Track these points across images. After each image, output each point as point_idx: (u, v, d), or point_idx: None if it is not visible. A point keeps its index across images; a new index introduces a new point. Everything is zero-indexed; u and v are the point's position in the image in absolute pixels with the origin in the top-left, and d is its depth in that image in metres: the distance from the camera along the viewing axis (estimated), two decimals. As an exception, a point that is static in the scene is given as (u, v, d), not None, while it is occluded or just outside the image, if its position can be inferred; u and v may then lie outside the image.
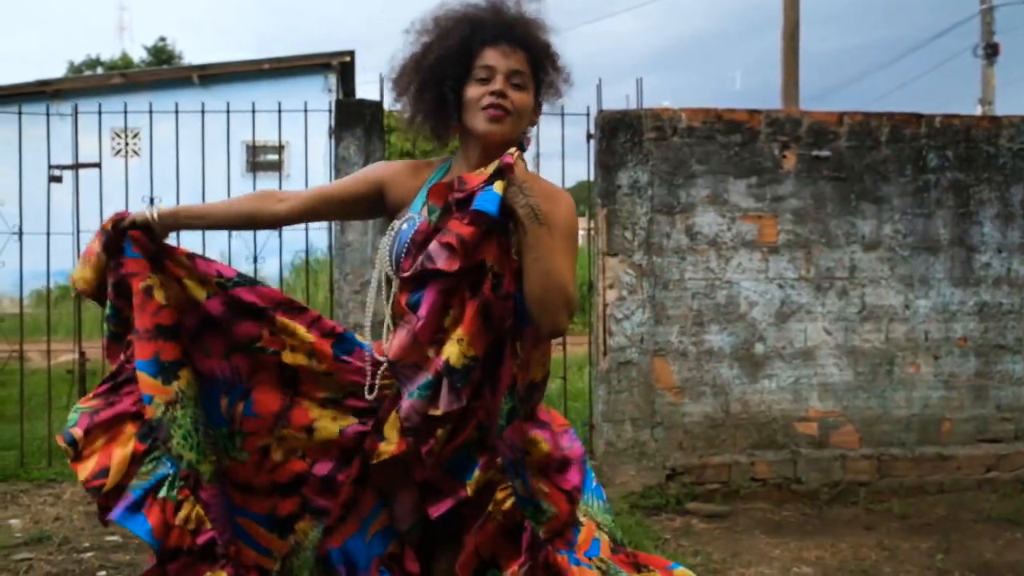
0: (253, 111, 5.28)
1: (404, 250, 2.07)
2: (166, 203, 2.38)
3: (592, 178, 5.57)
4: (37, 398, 6.41)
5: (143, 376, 2.12)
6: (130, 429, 2.13)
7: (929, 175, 5.52)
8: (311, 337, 2.17)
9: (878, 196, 5.46)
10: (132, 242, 2.17)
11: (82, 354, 5.60)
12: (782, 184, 5.39)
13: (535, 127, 2.27)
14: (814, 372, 5.41)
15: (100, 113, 5.37)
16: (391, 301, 2.14)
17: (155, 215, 2.18)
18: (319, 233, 6.31)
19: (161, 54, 35.24)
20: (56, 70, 51.83)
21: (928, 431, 5.49)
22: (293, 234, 5.31)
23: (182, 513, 2.09)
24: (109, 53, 37.50)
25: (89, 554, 4.40)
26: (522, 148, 2.19)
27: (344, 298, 5.35)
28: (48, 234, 5.33)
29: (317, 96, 18.30)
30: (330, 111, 5.40)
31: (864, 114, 5.49)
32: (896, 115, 5.52)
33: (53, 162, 5.53)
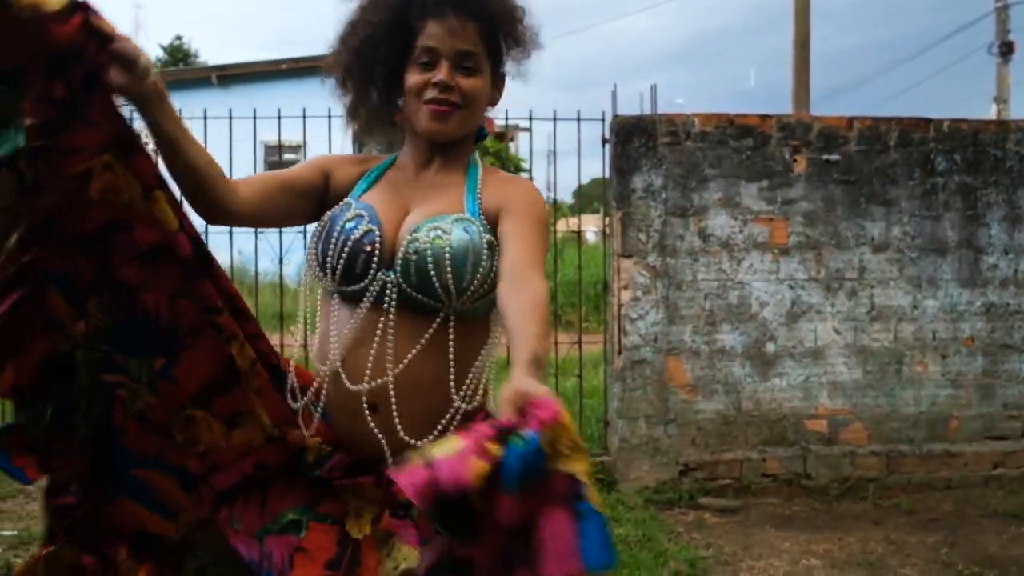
0: (279, 117, 5.44)
1: (337, 240, 1.70)
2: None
3: (607, 179, 5.72)
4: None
5: (56, 297, 1.59)
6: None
7: (937, 178, 5.64)
8: (255, 347, 1.72)
9: (887, 199, 5.58)
10: (99, 104, 1.51)
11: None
12: (793, 187, 5.52)
13: (497, 105, 1.89)
14: (824, 371, 5.54)
15: (132, 118, 5.55)
16: (316, 302, 1.79)
17: (152, 80, 1.54)
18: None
19: (177, 53, 35.54)
20: (74, 68, 52.26)
21: (936, 428, 5.62)
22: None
23: None
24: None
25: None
26: (482, 136, 1.91)
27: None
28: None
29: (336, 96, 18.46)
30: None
31: (873, 119, 5.62)
32: (904, 119, 5.64)
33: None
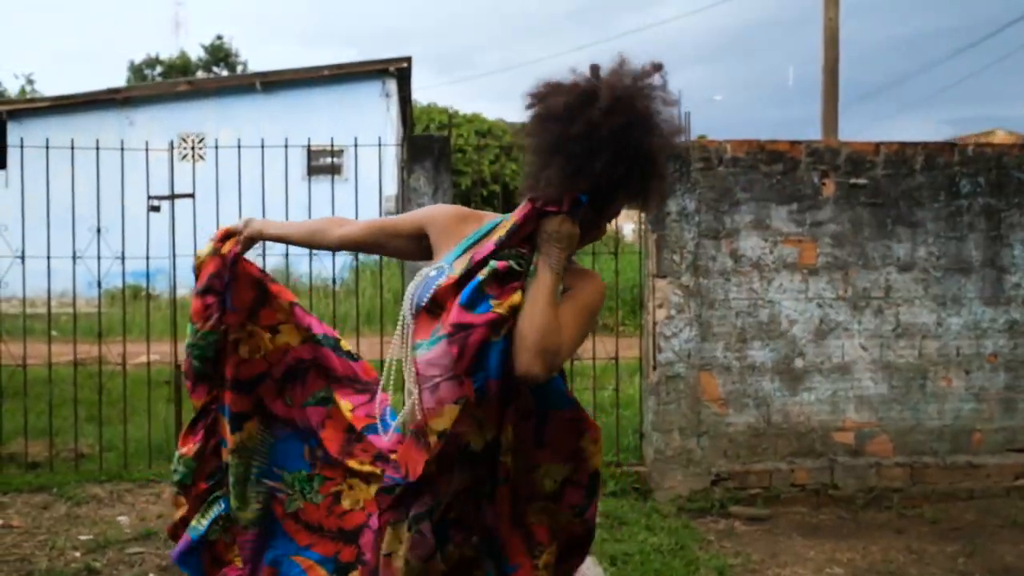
0: (332, 145, 5.78)
1: (426, 299, 1.97)
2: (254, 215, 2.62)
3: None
4: (135, 402, 6.94)
5: (223, 420, 2.43)
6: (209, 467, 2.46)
7: (961, 200, 5.86)
8: (350, 416, 2.40)
9: (912, 221, 5.82)
10: (233, 294, 2.41)
11: (178, 366, 6.15)
12: (821, 210, 5.77)
13: None
14: (851, 385, 5.79)
15: (193, 146, 5.92)
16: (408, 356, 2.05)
17: (253, 231, 2.45)
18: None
19: (218, 52, 36.21)
20: (114, 66, 53.22)
21: (959, 441, 5.85)
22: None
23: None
24: (166, 50, 38.56)
25: (192, 548, 4.92)
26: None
27: (415, 316, 5.82)
28: (148, 258, 5.85)
29: (375, 101, 18.87)
30: (401, 145, 5.90)
31: (899, 144, 5.84)
32: (930, 144, 5.86)
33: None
